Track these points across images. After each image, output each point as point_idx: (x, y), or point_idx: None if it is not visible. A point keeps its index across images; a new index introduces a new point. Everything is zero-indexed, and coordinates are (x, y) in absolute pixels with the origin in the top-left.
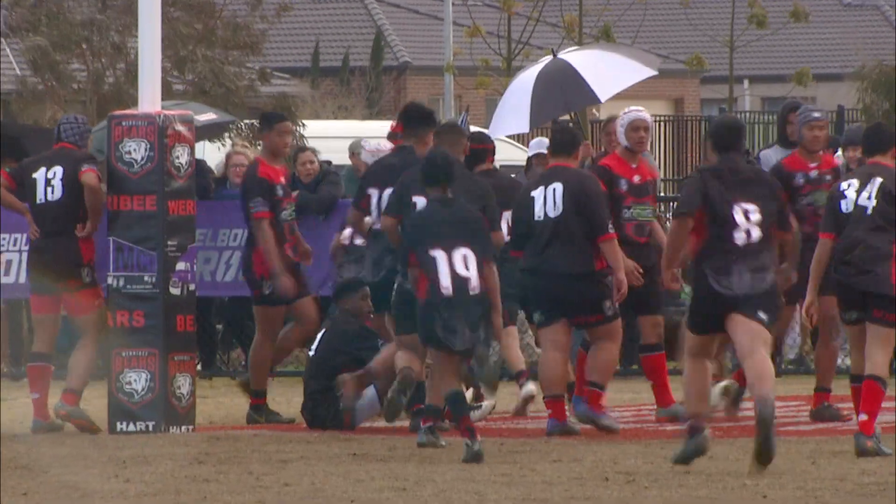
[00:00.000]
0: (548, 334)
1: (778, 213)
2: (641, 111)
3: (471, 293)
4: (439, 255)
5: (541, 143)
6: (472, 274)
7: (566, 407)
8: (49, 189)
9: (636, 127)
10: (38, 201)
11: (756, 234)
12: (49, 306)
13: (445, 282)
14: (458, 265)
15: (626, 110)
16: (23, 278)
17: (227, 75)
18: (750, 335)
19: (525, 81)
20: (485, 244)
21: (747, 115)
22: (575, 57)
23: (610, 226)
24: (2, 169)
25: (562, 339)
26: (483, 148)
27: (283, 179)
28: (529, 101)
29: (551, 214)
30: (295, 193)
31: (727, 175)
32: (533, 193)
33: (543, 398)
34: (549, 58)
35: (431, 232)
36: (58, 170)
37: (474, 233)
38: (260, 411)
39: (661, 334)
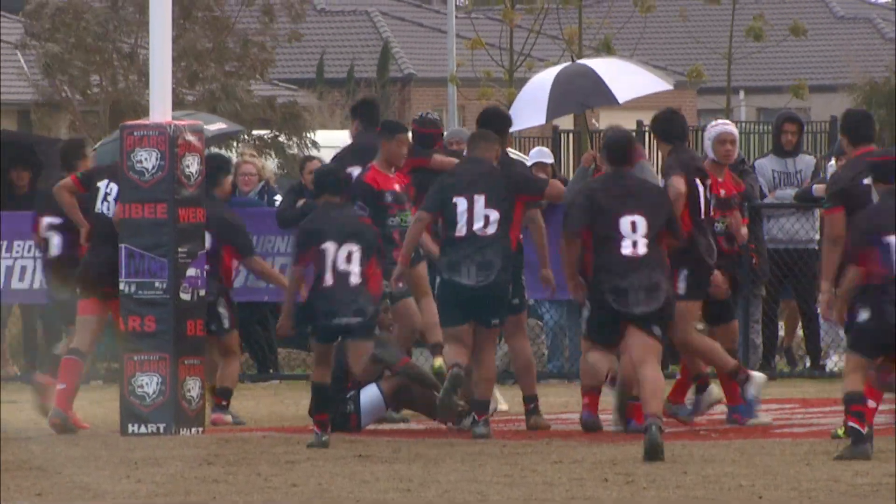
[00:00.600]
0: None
1: (667, 222)
2: (728, 125)
3: (350, 284)
4: (330, 247)
5: (541, 153)
6: (353, 269)
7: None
8: (105, 204)
9: (723, 140)
10: (96, 210)
11: (643, 245)
12: (95, 308)
13: (328, 274)
14: (341, 259)
15: (713, 123)
16: (37, 284)
17: (235, 93)
18: (643, 348)
19: (544, 79)
20: (372, 243)
21: (743, 125)
22: (594, 61)
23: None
24: (72, 174)
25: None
26: (430, 133)
27: (396, 186)
28: (547, 95)
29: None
30: (302, 202)
31: (614, 188)
32: None
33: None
34: (568, 62)
35: (323, 230)
36: (114, 187)
37: (361, 233)
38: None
39: (736, 340)
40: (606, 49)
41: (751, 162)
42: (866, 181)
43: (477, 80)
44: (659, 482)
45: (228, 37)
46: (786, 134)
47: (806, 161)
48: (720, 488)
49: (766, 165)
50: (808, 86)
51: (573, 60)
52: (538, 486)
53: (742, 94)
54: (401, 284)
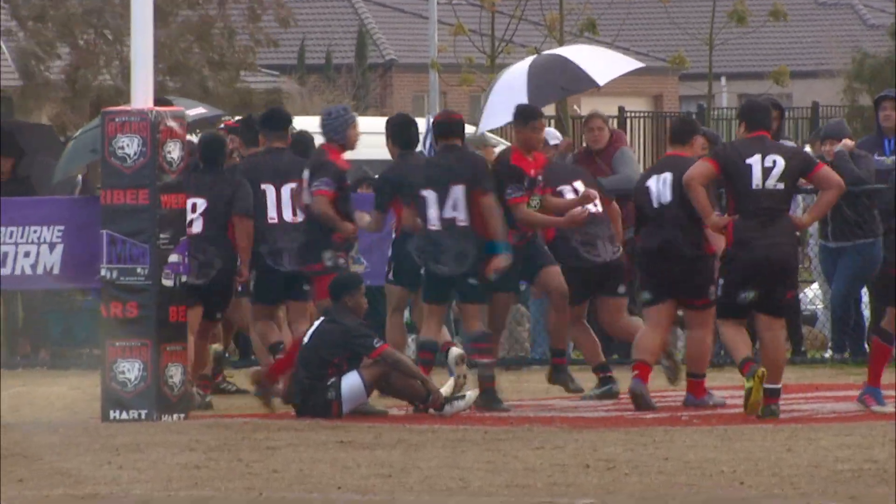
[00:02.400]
0: (652, 313)
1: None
2: None
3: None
4: None
5: (550, 133)
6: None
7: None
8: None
9: None
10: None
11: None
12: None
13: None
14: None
15: None
16: (19, 270)
17: (216, 89)
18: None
19: (517, 73)
20: None
21: (724, 111)
22: (562, 50)
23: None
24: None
25: (665, 320)
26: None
27: (533, 172)
28: (526, 88)
29: (663, 201)
30: None
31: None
32: (648, 183)
33: (633, 361)
34: (535, 56)
35: None
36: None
37: None
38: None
39: None
40: (591, 29)
41: None
42: (749, 160)
43: (459, 66)
44: (641, 468)
45: (213, 28)
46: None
47: None
48: (702, 474)
49: None
50: (789, 72)
51: (538, 52)
52: (519, 473)
53: (724, 80)
54: None
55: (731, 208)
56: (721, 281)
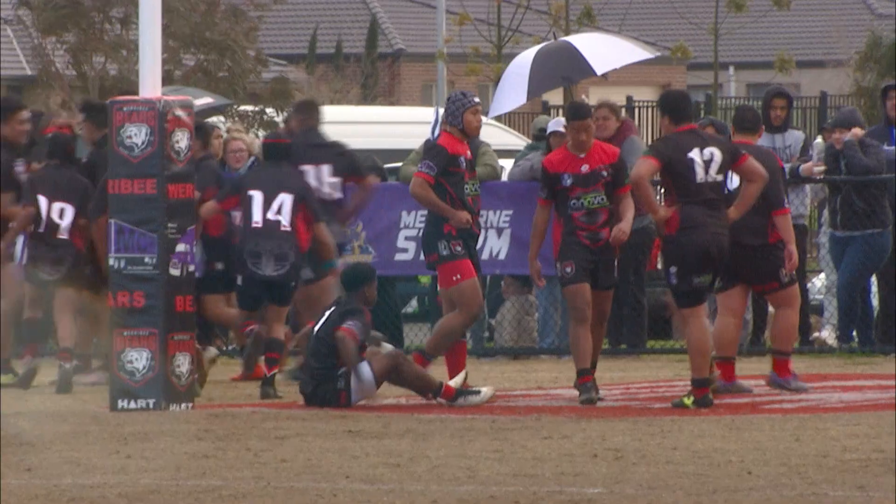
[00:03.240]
0: (724, 299)
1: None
2: None
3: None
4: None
5: (558, 122)
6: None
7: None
8: None
9: None
10: None
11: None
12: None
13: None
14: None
15: None
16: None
17: (236, 60)
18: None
19: (524, 59)
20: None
21: (732, 100)
22: (575, 37)
23: (785, 201)
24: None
25: (737, 305)
26: None
27: (587, 168)
28: (528, 74)
29: (731, 189)
30: None
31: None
32: None
33: (714, 359)
34: (546, 42)
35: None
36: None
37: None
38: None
39: None
40: (588, 17)
41: None
42: (690, 154)
43: (466, 56)
44: (648, 458)
45: (214, 11)
46: (774, 109)
47: (795, 136)
48: (710, 464)
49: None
50: (795, 61)
51: (555, 38)
52: (527, 462)
53: (732, 69)
54: None
55: (671, 200)
56: (673, 269)
